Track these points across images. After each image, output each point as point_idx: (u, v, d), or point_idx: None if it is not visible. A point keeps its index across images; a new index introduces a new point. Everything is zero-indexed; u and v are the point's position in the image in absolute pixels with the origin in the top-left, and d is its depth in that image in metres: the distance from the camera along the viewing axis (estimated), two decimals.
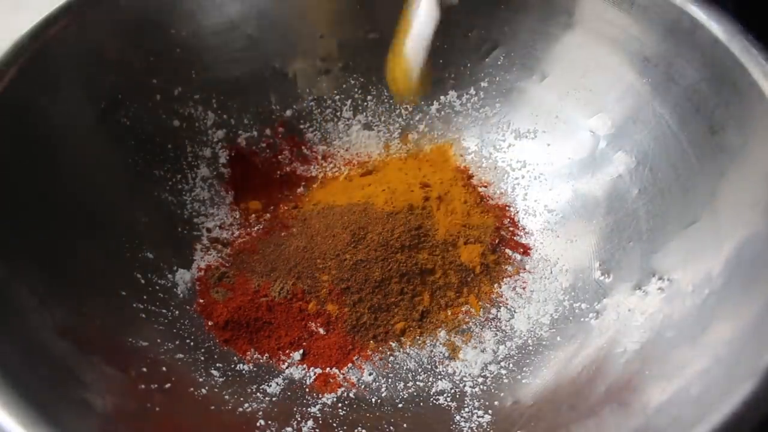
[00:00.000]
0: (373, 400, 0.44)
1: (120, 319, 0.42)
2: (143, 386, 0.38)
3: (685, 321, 0.37)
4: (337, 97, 0.57)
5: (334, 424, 0.41)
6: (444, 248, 0.49)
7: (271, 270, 0.48)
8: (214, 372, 0.43)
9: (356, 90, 0.57)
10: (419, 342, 0.47)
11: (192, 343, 0.44)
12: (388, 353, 0.46)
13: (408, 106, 0.57)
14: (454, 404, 0.43)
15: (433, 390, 0.44)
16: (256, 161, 0.56)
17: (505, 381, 0.44)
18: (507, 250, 0.51)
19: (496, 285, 0.49)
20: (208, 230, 0.52)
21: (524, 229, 0.52)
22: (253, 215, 0.54)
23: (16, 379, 0.31)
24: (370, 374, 0.45)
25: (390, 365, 0.45)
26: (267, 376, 0.44)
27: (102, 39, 0.47)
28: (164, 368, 0.41)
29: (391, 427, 0.41)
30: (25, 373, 0.33)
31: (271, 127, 0.56)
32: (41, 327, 0.36)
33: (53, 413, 0.31)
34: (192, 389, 0.41)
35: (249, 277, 0.49)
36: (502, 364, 0.45)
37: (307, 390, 0.44)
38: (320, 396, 0.43)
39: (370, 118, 0.58)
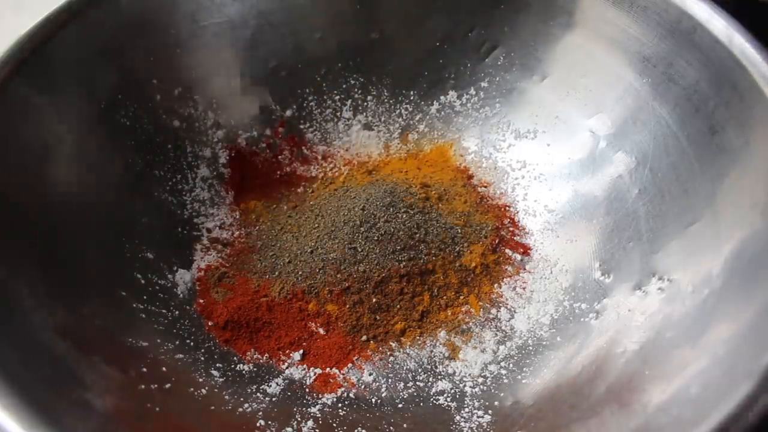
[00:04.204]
0: (373, 400, 0.44)
1: (120, 319, 0.42)
2: (143, 386, 0.38)
3: (684, 321, 0.37)
4: (337, 97, 0.57)
5: (334, 425, 0.41)
6: (444, 248, 0.49)
7: (271, 270, 0.48)
8: (214, 372, 0.43)
9: (356, 90, 0.57)
10: (419, 342, 0.46)
11: (192, 344, 0.44)
12: (388, 353, 0.46)
13: (408, 106, 0.57)
14: (454, 404, 0.43)
15: (433, 390, 0.44)
16: (256, 161, 0.56)
17: (505, 381, 0.44)
18: (507, 250, 0.51)
19: (496, 285, 0.49)
20: (208, 230, 0.52)
21: (524, 229, 0.52)
22: (253, 215, 0.54)
23: (16, 379, 0.31)
24: (370, 374, 0.45)
25: (390, 365, 0.45)
26: (267, 376, 0.44)
27: (102, 39, 0.47)
28: (164, 368, 0.41)
29: (391, 428, 0.41)
30: (25, 373, 0.33)
31: (271, 127, 0.56)
32: (41, 327, 0.36)
33: (53, 413, 0.31)
34: (192, 389, 0.41)
35: (249, 277, 0.49)
36: (502, 364, 0.45)
37: (307, 390, 0.44)
38: (320, 396, 0.43)
39: (370, 118, 0.58)
